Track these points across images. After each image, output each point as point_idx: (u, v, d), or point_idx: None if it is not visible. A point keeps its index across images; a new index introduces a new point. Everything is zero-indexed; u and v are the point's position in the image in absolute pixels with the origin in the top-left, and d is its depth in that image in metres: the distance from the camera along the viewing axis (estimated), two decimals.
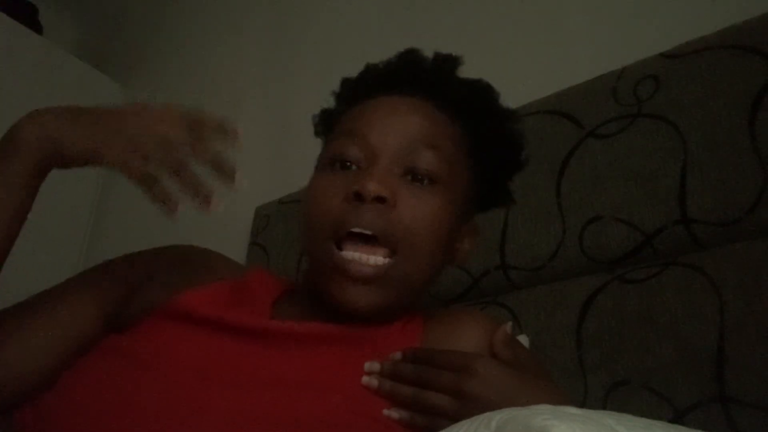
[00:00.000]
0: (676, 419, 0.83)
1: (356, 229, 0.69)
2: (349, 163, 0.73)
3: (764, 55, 0.91)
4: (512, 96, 1.18)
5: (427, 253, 0.72)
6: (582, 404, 0.88)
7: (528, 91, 1.17)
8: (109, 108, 0.71)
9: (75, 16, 2.43)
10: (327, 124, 0.85)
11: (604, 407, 0.88)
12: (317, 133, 0.86)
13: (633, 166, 0.98)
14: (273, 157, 1.70)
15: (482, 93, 0.81)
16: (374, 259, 0.69)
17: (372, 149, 0.72)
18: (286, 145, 1.69)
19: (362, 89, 0.82)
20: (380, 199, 0.69)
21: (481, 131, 0.79)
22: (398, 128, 0.74)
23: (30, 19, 2.10)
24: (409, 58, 0.82)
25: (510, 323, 0.72)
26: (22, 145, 0.67)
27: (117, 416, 0.60)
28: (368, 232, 0.68)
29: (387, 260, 0.69)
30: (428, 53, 0.83)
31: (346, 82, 0.85)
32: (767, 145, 0.88)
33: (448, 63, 0.82)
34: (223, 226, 1.65)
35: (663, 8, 1.17)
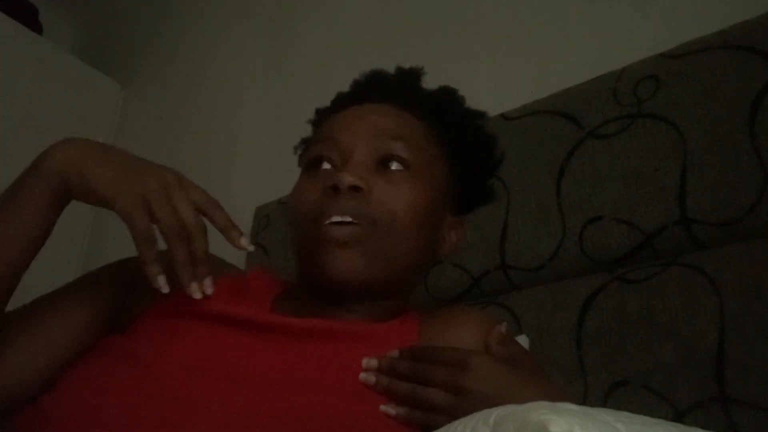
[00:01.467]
0: (676, 419, 0.83)
1: (335, 218, 0.72)
2: (325, 164, 0.77)
3: (764, 55, 0.91)
4: (512, 96, 1.19)
5: (405, 229, 0.74)
6: (582, 404, 0.88)
7: (528, 91, 1.17)
8: (136, 158, 0.72)
9: (75, 16, 2.43)
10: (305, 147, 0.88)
11: (604, 407, 0.88)
12: (300, 164, 0.88)
13: (633, 166, 0.98)
14: (273, 157, 1.70)
15: (446, 95, 0.86)
16: (351, 227, 0.72)
17: (344, 149, 0.77)
18: (286, 145, 1.68)
19: (332, 108, 0.87)
20: (355, 188, 0.72)
21: (448, 129, 0.83)
22: (367, 127, 0.78)
23: (30, 19, 2.10)
24: (375, 73, 0.88)
25: (505, 323, 0.72)
26: (46, 173, 0.68)
27: (118, 415, 0.60)
28: (347, 219, 0.71)
29: (367, 228, 0.72)
30: (403, 65, 0.88)
31: (318, 110, 0.91)
32: (767, 145, 0.88)
33: (412, 73, 0.87)
34: None
35: (663, 8, 1.17)
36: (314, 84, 1.65)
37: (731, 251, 0.88)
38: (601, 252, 0.99)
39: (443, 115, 0.83)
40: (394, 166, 0.76)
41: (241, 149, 1.78)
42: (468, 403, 0.60)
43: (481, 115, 0.87)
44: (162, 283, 0.67)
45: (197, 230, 0.67)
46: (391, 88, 0.84)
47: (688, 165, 0.93)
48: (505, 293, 1.07)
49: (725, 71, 0.94)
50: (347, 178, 0.72)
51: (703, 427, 0.46)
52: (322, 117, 0.88)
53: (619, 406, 0.85)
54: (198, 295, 0.69)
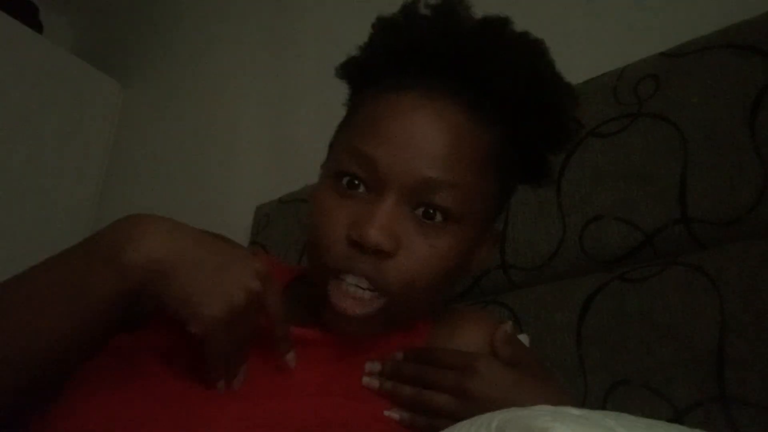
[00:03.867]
0: (676, 419, 0.83)
1: (351, 279, 0.64)
2: (356, 182, 0.65)
3: (764, 55, 0.91)
4: None
5: (426, 296, 0.67)
6: (582, 404, 0.88)
7: None
8: (222, 249, 0.62)
9: (75, 16, 2.43)
10: (352, 78, 0.78)
11: (603, 407, 0.88)
12: (338, 75, 0.79)
13: (633, 166, 0.98)
14: (273, 156, 1.71)
15: (531, 79, 0.69)
16: (369, 294, 0.64)
17: (380, 178, 0.64)
18: (286, 144, 1.69)
19: (390, 62, 0.72)
20: (379, 252, 0.63)
21: (523, 128, 0.70)
22: (413, 152, 0.64)
23: (30, 18, 2.10)
24: (449, 23, 0.70)
25: (510, 323, 0.72)
26: (129, 271, 0.58)
27: (122, 421, 0.60)
28: (363, 284, 0.64)
29: (381, 300, 0.65)
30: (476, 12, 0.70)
31: (377, 33, 0.76)
32: (767, 145, 0.88)
33: (494, 33, 0.70)
34: (223, 225, 1.65)
35: (663, 8, 1.17)
36: (314, 83, 1.65)
37: (731, 251, 0.88)
38: (601, 251, 0.99)
39: (523, 114, 0.69)
40: (436, 216, 0.64)
41: (241, 149, 1.78)
42: (474, 408, 0.59)
43: (568, 102, 0.72)
44: (221, 386, 0.63)
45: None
46: (466, 62, 0.68)
47: (688, 165, 0.93)
48: (505, 292, 1.07)
49: (725, 71, 0.94)
50: (374, 238, 0.61)
51: (703, 427, 0.47)
52: (374, 68, 0.74)
53: (618, 406, 0.86)
54: (238, 385, 0.64)
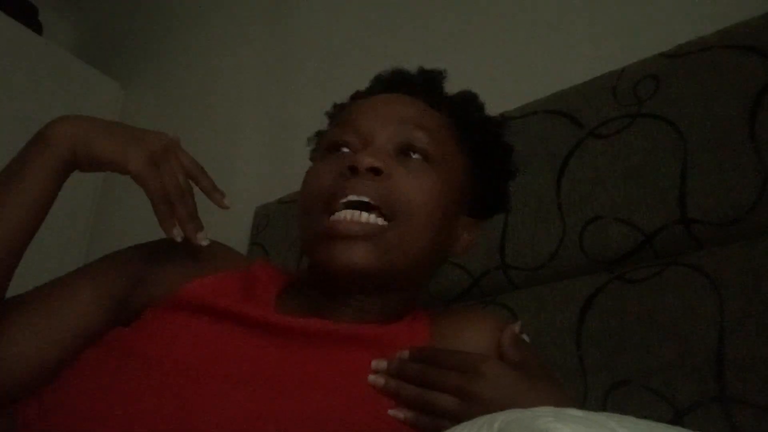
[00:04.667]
0: (676, 419, 0.83)
1: (352, 197, 0.70)
2: (344, 148, 0.76)
3: (764, 55, 0.91)
4: (512, 96, 1.19)
5: (423, 223, 0.72)
6: (582, 404, 0.88)
7: (528, 91, 1.17)
8: (135, 127, 0.77)
9: (75, 16, 2.43)
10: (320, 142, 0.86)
11: (604, 407, 0.88)
12: (313, 156, 0.87)
13: (633, 166, 0.98)
14: (273, 157, 1.71)
15: (470, 98, 0.86)
16: (367, 216, 0.70)
17: (364, 133, 0.75)
18: (286, 145, 1.69)
19: (351, 99, 0.86)
20: (375, 170, 0.70)
21: (471, 130, 0.82)
22: (390, 113, 0.77)
23: (30, 19, 2.10)
24: (399, 70, 0.87)
25: (519, 322, 0.72)
26: (53, 141, 0.71)
27: (120, 410, 0.60)
28: (364, 199, 0.69)
29: (382, 221, 0.70)
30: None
31: (335, 105, 0.89)
32: (767, 145, 0.88)
33: (436, 74, 0.86)
34: (223, 226, 1.65)
35: (663, 8, 1.17)
36: (314, 85, 1.65)
37: (731, 251, 0.88)
38: (601, 252, 0.99)
39: (467, 117, 0.82)
40: (415, 155, 0.74)
41: (241, 149, 1.78)
42: (478, 410, 0.59)
43: (501, 123, 0.87)
44: (178, 235, 0.73)
45: (190, 191, 0.76)
46: (417, 84, 0.83)
47: (688, 165, 0.93)
48: (505, 293, 1.07)
49: (725, 71, 0.94)
50: (367, 159, 0.70)
51: (703, 428, 0.47)
52: (339, 108, 0.87)
53: (618, 407, 0.86)
54: (206, 242, 0.75)
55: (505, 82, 1.31)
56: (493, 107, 1.17)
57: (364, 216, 0.69)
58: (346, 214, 0.69)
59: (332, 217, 0.70)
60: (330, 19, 1.73)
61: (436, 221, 0.74)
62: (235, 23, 1.96)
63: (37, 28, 2.12)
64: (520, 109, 1.15)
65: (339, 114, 0.84)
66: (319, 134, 0.87)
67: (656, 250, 0.94)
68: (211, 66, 1.98)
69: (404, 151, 0.74)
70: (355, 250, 0.69)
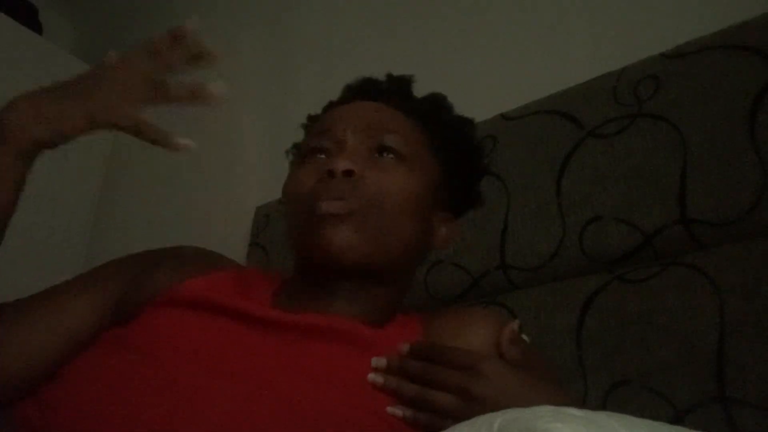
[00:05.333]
0: (676, 419, 0.83)
1: (327, 202, 0.72)
2: (320, 155, 0.79)
3: (764, 55, 0.91)
4: (512, 96, 1.19)
5: (396, 211, 0.75)
6: (582, 404, 0.88)
7: (528, 91, 1.17)
8: (73, 78, 0.73)
9: (75, 16, 2.43)
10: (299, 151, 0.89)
11: (604, 407, 0.88)
12: (291, 165, 0.89)
13: (633, 166, 0.98)
14: (273, 157, 1.70)
15: (437, 101, 0.88)
16: (346, 203, 0.73)
17: (339, 139, 0.79)
18: (286, 145, 1.68)
19: (324, 110, 0.89)
20: (348, 173, 0.74)
21: (439, 131, 0.85)
22: (361, 119, 0.80)
23: (30, 19, 2.10)
24: (366, 78, 0.89)
25: (518, 321, 0.72)
26: (7, 133, 0.68)
27: (118, 408, 0.61)
28: (339, 203, 0.72)
29: (358, 202, 0.73)
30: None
31: (309, 116, 0.92)
32: (767, 145, 0.88)
33: (403, 80, 0.88)
34: (223, 226, 1.65)
35: (663, 8, 1.17)
36: (314, 84, 1.65)
37: (731, 251, 0.88)
38: (601, 252, 0.99)
39: (434, 118, 0.85)
40: (388, 155, 0.78)
41: (241, 149, 1.78)
42: (477, 409, 0.60)
43: (470, 122, 0.89)
44: (189, 142, 0.73)
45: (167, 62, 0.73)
46: (384, 91, 0.86)
47: (688, 165, 0.93)
48: (505, 293, 1.07)
49: (725, 71, 0.94)
50: (341, 163, 0.74)
51: (703, 428, 0.47)
52: (314, 119, 0.90)
53: (619, 406, 0.86)
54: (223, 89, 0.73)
55: (505, 82, 1.31)
56: (493, 107, 1.18)
57: (341, 203, 0.73)
58: (326, 205, 0.73)
59: (313, 209, 0.73)
60: (330, 19, 1.73)
61: (412, 213, 0.77)
62: (235, 23, 1.96)
63: (37, 28, 2.12)
64: (520, 109, 1.15)
65: (313, 125, 0.88)
66: (296, 146, 0.91)
67: (656, 250, 0.94)
68: (211, 66, 1.98)
69: (378, 151, 0.78)
70: (340, 229, 0.72)
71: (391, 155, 0.78)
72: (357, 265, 0.73)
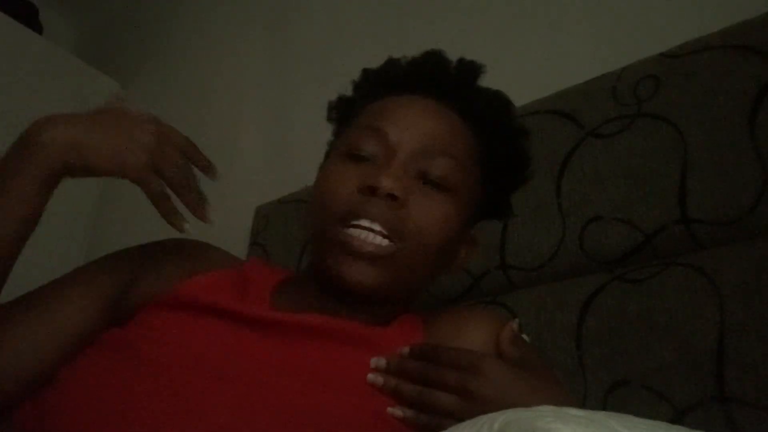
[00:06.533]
0: (676, 419, 0.83)
1: (364, 222, 0.70)
2: (365, 157, 0.74)
3: (764, 55, 0.91)
4: (513, 96, 1.18)
5: (430, 251, 0.73)
6: (582, 404, 0.88)
7: (528, 91, 1.17)
8: (114, 113, 0.69)
9: (75, 16, 2.43)
10: (344, 113, 0.86)
11: (603, 407, 0.88)
12: (330, 119, 0.87)
13: (633, 166, 0.98)
14: (273, 157, 1.71)
15: (502, 107, 0.84)
16: (380, 239, 0.70)
17: (390, 146, 0.74)
18: (286, 145, 1.69)
19: (384, 85, 0.82)
20: (392, 197, 0.70)
21: (494, 145, 0.81)
22: (418, 129, 0.75)
23: (30, 19, 2.10)
24: (434, 60, 0.83)
25: (517, 320, 0.72)
26: (41, 151, 0.65)
27: (117, 410, 0.60)
28: (376, 227, 0.70)
29: (392, 244, 0.71)
30: (452, 57, 0.84)
31: (367, 74, 0.86)
32: (767, 145, 0.88)
33: (471, 70, 0.83)
34: (223, 226, 1.65)
35: (663, 8, 1.17)
36: (314, 84, 1.65)
37: (731, 251, 0.88)
38: (601, 252, 0.99)
39: (496, 133, 0.81)
40: (436, 180, 0.74)
41: (241, 149, 1.78)
42: (478, 409, 0.59)
43: (527, 134, 0.86)
44: (188, 228, 0.69)
45: (191, 172, 0.70)
46: (452, 85, 0.81)
47: (688, 165, 0.93)
48: (505, 293, 1.07)
49: (725, 71, 0.94)
50: (388, 183, 0.70)
51: (703, 428, 0.46)
52: (368, 91, 0.84)
53: (618, 406, 0.86)
54: (211, 221, 0.70)
55: (505, 82, 1.30)
56: None
57: (378, 239, 0.70)
58: (360, 233, 0.70)
59: (346, 231, 0.71)
60: (330, 19, 1.73)
61: (444, 248, 0.75)
62: (235, 23, 1.96)
63: (37, 27, 2.12)
64: (520, 109, 1.14)
65: (367, 98, 0.82)
66: (344, 101, 0.86)
67: (656, 250, 0.94)
68: (211, 66, 1.98)
69: (425, 175, 0.74)
70: (366, 270, 0.70)
71: (439, 182, 0.74)
72: (371, 295, 0.72)
